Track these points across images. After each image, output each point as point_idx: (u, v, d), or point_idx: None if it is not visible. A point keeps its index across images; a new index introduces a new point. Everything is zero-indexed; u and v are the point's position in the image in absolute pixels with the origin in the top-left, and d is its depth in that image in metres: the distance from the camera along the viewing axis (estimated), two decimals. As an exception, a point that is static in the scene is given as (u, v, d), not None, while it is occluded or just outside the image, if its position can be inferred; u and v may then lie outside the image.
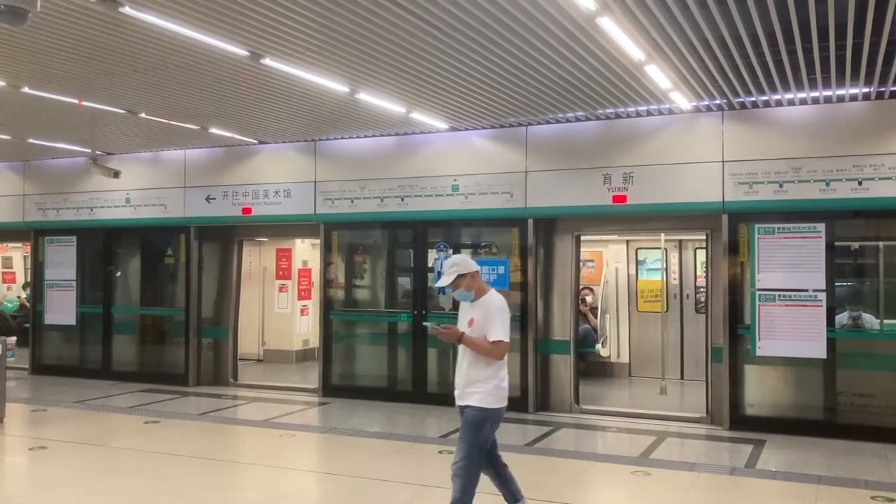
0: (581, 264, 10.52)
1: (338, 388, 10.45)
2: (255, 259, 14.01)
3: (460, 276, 5.02)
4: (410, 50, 6.25)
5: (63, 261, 12.48)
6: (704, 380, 9.03)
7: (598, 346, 11.67)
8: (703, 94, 7.75)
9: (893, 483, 6.46)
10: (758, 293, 8.26)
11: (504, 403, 5.02)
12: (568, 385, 9.46)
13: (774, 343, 8.21)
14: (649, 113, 8.64)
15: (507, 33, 5.80)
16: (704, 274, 10.16)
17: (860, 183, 7.94)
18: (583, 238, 9.89)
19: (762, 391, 8.66)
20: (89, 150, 11.65)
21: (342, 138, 10.38)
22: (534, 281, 9.44)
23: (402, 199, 10.02)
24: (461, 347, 5.05)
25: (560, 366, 9.52)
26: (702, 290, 11.14)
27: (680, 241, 11.82)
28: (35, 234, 12.79)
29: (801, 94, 7.76)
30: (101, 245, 12.32)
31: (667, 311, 11.46)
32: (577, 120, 9.02)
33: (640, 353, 12.00)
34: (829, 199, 8.04)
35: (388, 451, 7.65)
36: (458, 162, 9.76)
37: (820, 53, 6.33)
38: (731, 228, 8.50)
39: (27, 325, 13.39)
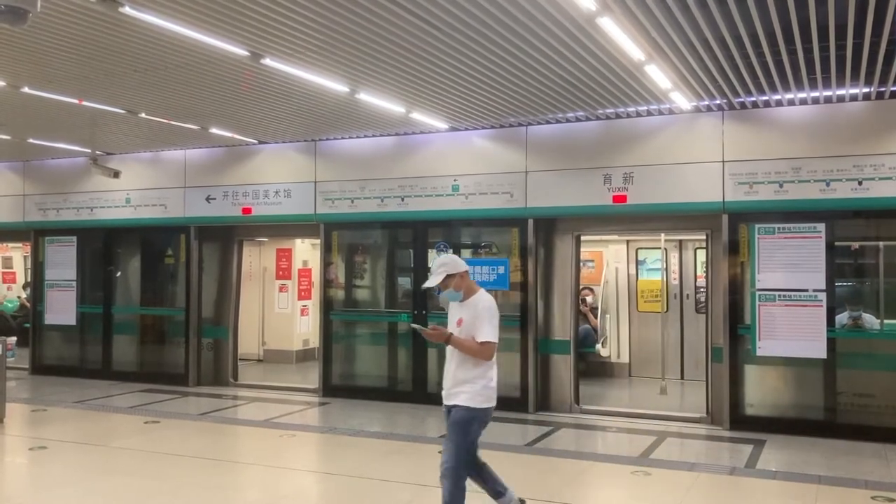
0: (581, 264, 10.52)
1: (338, 388, 10.45)
2: (256, 259, 14.01)
3: (449, 277, 5.00)
4: (410, 50, 6.25)
5: (63, 261, 12.48)
6: (704, 380, 9.02)
7: (599, 346, 11.67)
8: (703, 94, 7.75)
9: (893, 483, 6.46)
10: (758, 293, 8.26)
11: (492, 404, 4.99)
12: (568, 385, 9.46)
13: (774, 343, 8.21)
14: (649, 113, 8.64)
15: (507, 33, 5.80)
16: (704, 274, 10.16)
17: (860, 183, 7.94)
18: (583, 238, 9.89)
19: (762, 391, 8.66)
20: (89, 150, 11.65)
21: (342, 138, 10.38)
22: (534, 281, 9.44)
23: (403, 200, 10.02)
24: (449, 348, 5.03)
25: (560, 366, 9.52)
26: (702, 290, 11.14)
27: (680, 241, 11.82)
28: (35, 234, 12.79)
29: (802, 94, 7.76)
30: (102, 245, 12.32)
31: (667, 311, 11.46)
32: (578, 120, 9.02)
33: (640, 353, 12.00)
34: (830, 199, 8.04)
35: (388, 451, 7.65)
36: (459, 162, 9.76)
37: (820, 53, 6.33)
38: (732, 228, 8.50)
39: (27, 325, 13.40)
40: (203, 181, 11.33)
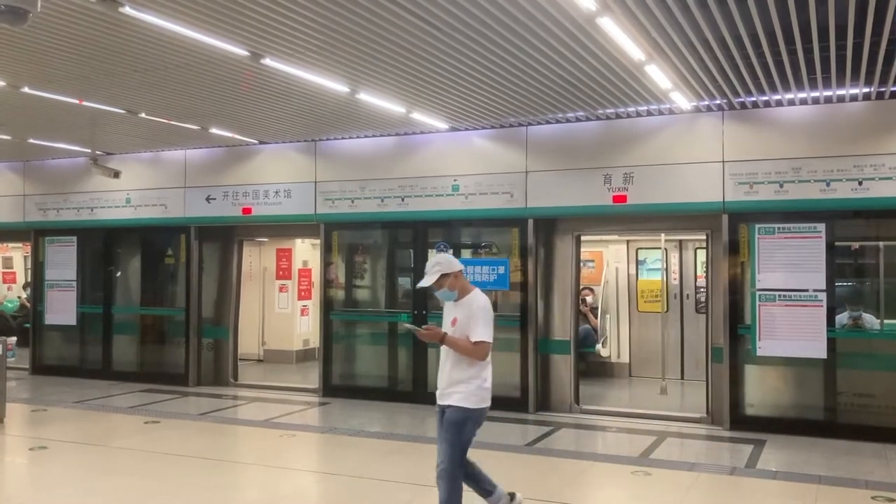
0: (581, 264, 10.52)
1: (338, 388, 10.45)
2: (256, 259, 14.01)
3: (443, 276, 4.97)
4: (410, 50, 6.25)
5: (63, 261, 12.48)
6: (705, 380, 9.02)
7: (599, 346, 11.67)
8: (704, 94, 7.75)
9: (894, 483, 6.46)
10: (758, 293, 8.26)
11: (486, 404, 4.97)
12: (568, 385, 9.46)
13: (775, 343, 8.21)
14: (649, 113, 8.64)
15: (507, 33, 5.80)
16: (705, 274, 10.16)
17: (860, 183, 7.94)
18: (583, 238, 9.89)
19: (762, 391, 8.65)
20: (89, 151, 11.66)
21: (342, 138, 10.38)
22: (534, 281, 9.44)
23: (403, 200, 10.02)
24: (444, 348, 5.01)
25: (560, 366, 9.52)
26: (702, 290, 11.15)
27: (680, 241, 11.82)
28: (35, 235, 12.80)
29: (802, 94, 7.76)
30: (102, 245, 12.33)
31: (667, 311, 11.46)
32: (578, 120, 9.02)
33: (640, 353, 12.00)
34: (830, 199, 8.04)
35: (388, 451, 7.65)
36: (459, 162, 9.76)
37: (820, 53, 6.33)
38: (732, 228, 8.50)
39: (27, 325, 13.40)
40: (203, 181, 11.33)
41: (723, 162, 8.45)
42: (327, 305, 10.64)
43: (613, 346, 12.14)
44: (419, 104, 8.23)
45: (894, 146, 7.87)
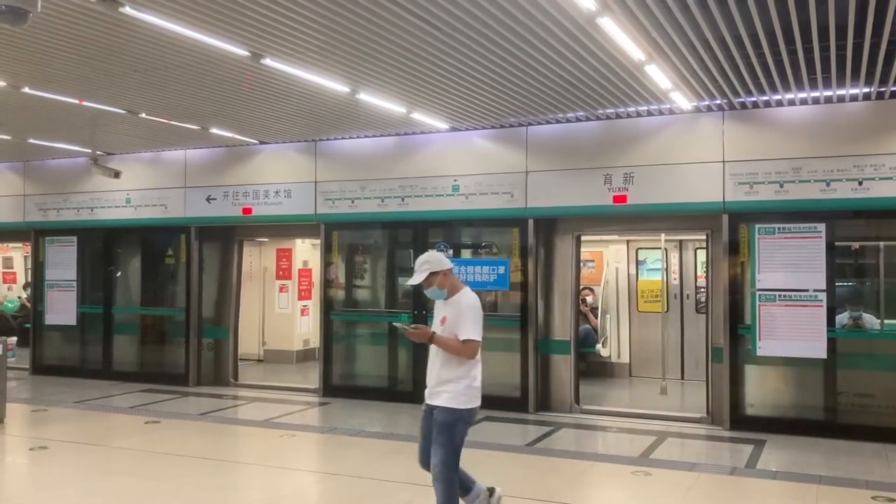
0: (581, 264, 10.52)
1: (338, 388, 10.45)
2: (256, 259, 14.01)
3: (432, 274, 4.94)
4: (411, 50, 6.25)
5: (63, 261, 12.48)
6: (705, 380, 9.02)
7: (599, 346, 11.67)
8: (704, 94, 7.75)
9: (894, 483, 6.46)
10: (758, 293, 8.26)
11: (476, 403, 4.92)
12: (568, 385, 9.46)
13: (775, 343, 8.21)
14: (650, 113, 8.64)
15: (507, 33, 5.80)
16: (705, 274, 10.16)
17: (860, 183, 7.94)
18: (583, 238, 9.89)
19: (762, 391, 8.65)
20: (90, 151, 11.66)
21: (343, 138, 10.38)
22: (534, 281, 9.44)
23: (403, 200, 10.02)
24: (433, 346, 4.97)
25: (560, 366, 9.52)
26: (702, 290, 11.15)
27: (680, 241, 11.81)
28: (35, 235, 12.79)
29: (802, 94, 7.76)
30: (102, 245, 12.33)
31: (667, 311, 11.46)
32: (578, 120, 9.02)
33: (640, 353, 12.00)
34: (830, 200, 8.03)
35: (388, 451, 7.64)
36: (459, 162, 9.77)
37: (820, 53, 6.33)
38: (732, 228, 8.49)
39: (28, 325, 13.40)
40: (203, 181, 11.33)
41: (723, 162, 8.45)
42: (327, 305, 10.64)
43: (613, 346, 12.14)
44: (419, 104, 8.23)
45: (894, 146, 7.87)
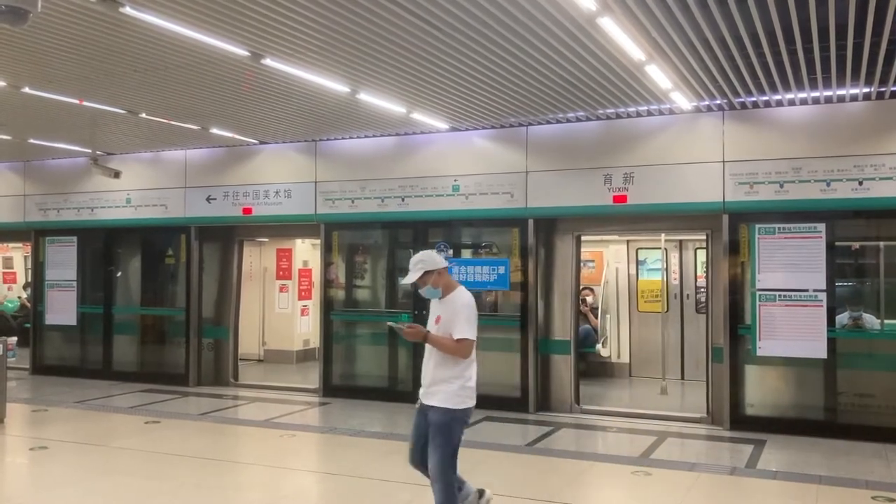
0: (581, 264, 10.52)
1: (338, 388, 10.45)
2: (256, 259, 14.01)
3: (427, 273, 4.94)
4: (411, 50, 6.25)
5: (64, 261, 12.48)
6: (705, 380, 9.02)
7: (599, 346, 11.66)
8: (704, 94, 7.75)
9: (894, 483, 6.46)
10: (758, 293, 8.25)
11: (471, 403, 4.88)
12: (568, 385, 9.45)
13: (775, 343, 8.21)
14: (650, 113, 8.64)
15: (507, 33, 5.80)
16: (705, 274, 10.15)
17: (861, 183, 7.93)
18: (583, 238, 9.89)
19: (762, 391, 8.65)
20: (90, 151, 11.66)
21: (343, 138, 10.38)
22: (534, 281, 9.44)
23: (403, 200, 10.02)
24: (428, 346, 4.94)
25: (560, 366, 9.52)
26: (702, 290, 11.15)
27: (680, 241, 11.81)
28: (36, 235, 12.79)
29: (802, 94, 7.76)
30: (102, 245, 12.33)
31: (667, 311, 11.46)
32: (578, 120, 9.02)
33: (640, 353, 12.00)
34: (830, 200, 8.03)
35: (388, 451, 7.64)
36: (459, 162, 9.76)
37: (820, 53, 6.33)
38: (732, 228, 8.49)
39: (28, 325, 13.40)
40: (203, 181, 11.33)
41: (723, 162, 8.45)
42: (327, 305, 10.64)
43: (614, 346, 12.14)
44: (419, 104, 8.23)
45: (894, 146, 7.87)
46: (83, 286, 12.40)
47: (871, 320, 8.30)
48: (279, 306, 13.89)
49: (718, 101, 8.10)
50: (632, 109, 8.48)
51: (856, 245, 8.83)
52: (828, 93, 7.68)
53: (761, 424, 8.31)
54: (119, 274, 12.40)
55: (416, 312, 9.90)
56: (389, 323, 5.29)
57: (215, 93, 7.80)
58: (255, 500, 6.37)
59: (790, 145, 8.22)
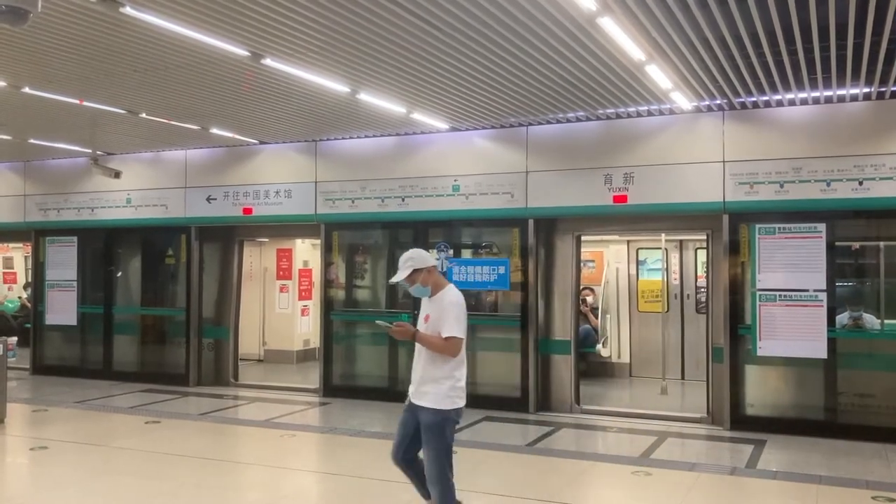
0: (582, 264, 10.52)
1: (338, 388, 10.45)
2: (256, 259, 14.01)
3: (416, 271, 4.91)
4: (411, 50, 6.25)
5: (64, 261, 12.48)
6: (705, 380, 9.01)
7: (599, 346, 11.66)
8: (704, 94, 7.75)
9: (894, 483, 6.46)
10: (758, 293, 8.25)
11: (461, 403, 4.87)
12: (568, 385, 9.45)
13: (775, 343, 8.20)
14: (650, 113, 8.64)
15: (507, 33, 5.80)
16: (705, 274, 10.15)
17: (861, 183, 7.93)
18: (583, 238, 9.88)
19: (763, 391, 8.65)
20: (90, 151, 11.66)
21: (343, 138, 10.38)
22: (534, 281, 9.43)
23: (403, 200, 10.02)
24: (418, 345, 4.93)
25: (561, 366, 9.52)
26: (702, 290, 11.14)
27: (680, 241, 11.81)
28: (36, 235, 12.80)
29: (802, 94, 7.76)
30: (102, 245, 12.33)
31: (667, 311, 11.46)
32: (578, 120, 9.02)
33: (640, 353, 12.00)
34: (830, 200, 8.03)
35: (388, 452, 7.60)
36: (459, 162, 9.76)
37: (821, 53, 6.33)
38: (732, 228, 8.49)
39: (28, 325, 13.40)
40: (204, 181, 11.34)
41: (723, 162, 8.45)
42: (328, 305, 10.64)
43: (614, 347, 12.14)
44: (420, 104, 8.23)
45: (894, 146, 7.87)
46: (83, 286, 12.40)
47: (871, 320, 8.29)
48: (279, 306, 13.89)
49: (718, 101, 8.10)
50: (632, 109, 8.48)
51: (856, 245, 8.83)
52: (828, 93, 7.68)
53: (761, 424, 8.31)
54: (119, 274, 12.40)
55: (416, 313, 9.84)
56: (378, 321, 5.24)
57: (215, 93, 7.80)
58: (255, 500, 6.37)
59: (790, 145, 8.22)
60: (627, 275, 12.22)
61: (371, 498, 6.23)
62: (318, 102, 8.17)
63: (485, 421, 8.84)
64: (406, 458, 5.03)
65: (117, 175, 11.44)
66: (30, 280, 14.52)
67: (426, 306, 5.04)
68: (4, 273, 18.59)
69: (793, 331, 8.10)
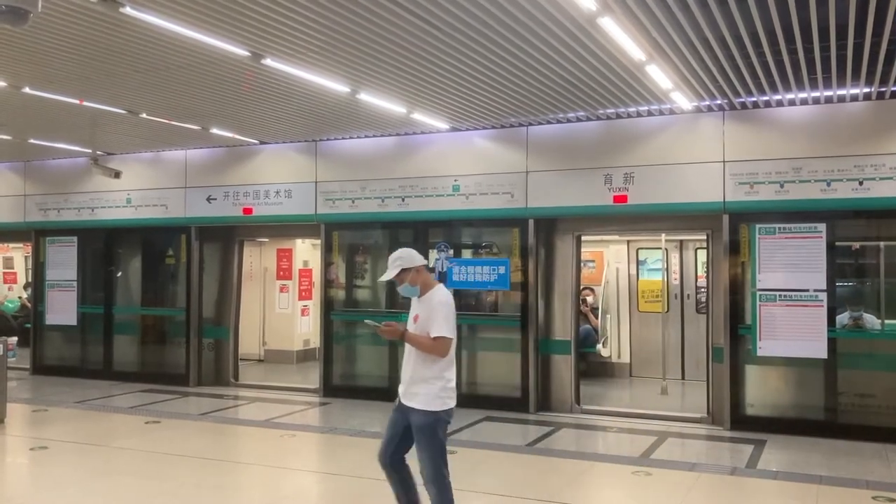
0: (582, 264, 10.52)
1: (338, 388, 10.45)
2: (256, 259, 14.01)
3: (404, 271, 4.89)
4: (411, 50, 6.25)
5: (64, 261, 12.48)
6: (705, 380, 9.01)
7: (599, 346, 11.66)
8: (704, 94, 7.75)
9: (894, 483, 6.46)
10: (758, 293, 8.25)
11: (452, 404, 4.83)
12: (569, 385, 9.45)
13: (775, 343, 8.20)
14: (650, 113, 8.64)
15: (507, 33, 5.80)
16: (705, 274, 10.15)
17: (861, 183, 7.93)
18: (583, 238, 9.88)
19: (763, 391, 8.65)
20: (90, 151, 11.66)
21: (343, 138, 10.38)
22: (534, 281, 9.43)
23: (403, 200, 10.01)
24: (408, 345, 4.91)
25: (561, 366, 9.52)
26: (702, 290, 11.14)
27: (681, 241, 11.81)
28: (36, 235, 12.80)
29: (802, 94, 7.76)
30: (102, 245, 12.33)
31: (667, 311, 11.46)
32: (578, 120, 9.02)
33: (640, 353, 12.00)
34: (830, 200, 8.03)
35: (388, 452, 7.63)
36: (459, 162, 9.76)
37: (821, 53, 6.33)
38: (732, 228, 8.49)
39: (28, 325, 13.40)
40: (204, 181, 11.34)
41: (723, 162, 8.45)
42: (328, 305, 10.64)
43: (614, 347, 12.14)
44: (420, 104, 8.23)
45: (894, 146, 7.87)
46: (83, 286, 12.40)
47: (871, 320, 8.29)
48: (279, 306, 13.89)
49: (719, 101, 8.10)
50: (632, 109, 8.48)
51: (856, 245, 8.83)
52: (828, 93, 7.68)
53: (761, 424, 8.31)
54: (119, 274, 12.40)
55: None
56: (366, 321, 5.20)
57: (215, 93, 7.80)
58: (255, 500, 6.37)
59: (790, 145, 8.22)
60: (627, 275, 12.22)
61: (371, 498, 6.22)
62: (318, 102, 8.18)
63: (485, 421, 8.84)
64: (394, 461, 4.96)
65: (117, 175, 11.44)
66: (30, 280, 14.52)
67: (415, 306, 5.01)
68: (4, 273, 18.59)
69: (793, 331, 8.10)
